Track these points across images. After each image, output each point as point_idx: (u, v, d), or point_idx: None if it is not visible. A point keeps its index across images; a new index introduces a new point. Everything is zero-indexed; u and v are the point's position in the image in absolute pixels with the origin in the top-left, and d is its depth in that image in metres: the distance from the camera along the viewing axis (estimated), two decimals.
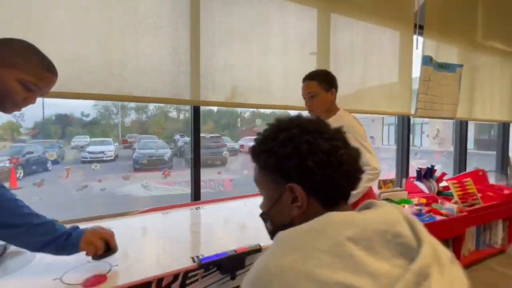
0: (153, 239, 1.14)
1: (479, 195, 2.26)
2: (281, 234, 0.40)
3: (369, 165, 1.17)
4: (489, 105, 3.07)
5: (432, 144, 7.32)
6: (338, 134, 0.47)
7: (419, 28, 2.45)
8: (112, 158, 5.66)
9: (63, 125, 5.95)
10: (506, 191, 2.46)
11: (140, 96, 1.43)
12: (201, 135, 1.68)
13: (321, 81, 1.29)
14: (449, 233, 1.88)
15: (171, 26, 1.46)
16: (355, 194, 1.11)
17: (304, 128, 0.45)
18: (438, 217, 1.83)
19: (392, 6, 2.29)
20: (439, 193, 2.24)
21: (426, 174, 2.30)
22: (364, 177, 1.09)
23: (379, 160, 1.23)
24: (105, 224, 1.08)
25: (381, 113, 2.34)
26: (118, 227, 1.07)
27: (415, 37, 2.47)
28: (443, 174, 2.34)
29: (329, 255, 0.33)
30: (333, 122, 1.25)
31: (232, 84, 1.65)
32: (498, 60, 3.17)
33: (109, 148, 5.69)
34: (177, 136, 6.76)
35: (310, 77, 1.31)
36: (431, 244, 0.37)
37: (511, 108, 3.32)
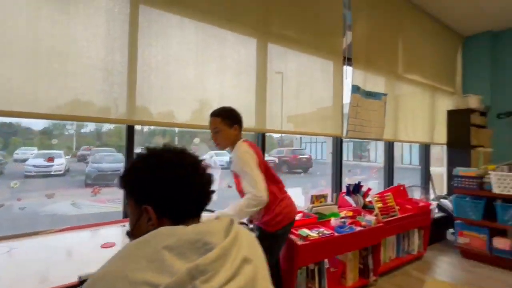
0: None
1: (398, 207, 2.58)
2: (121, 247, 0.49)
3: (249, 192, 1.26)
4: (411, 129, 3.56)
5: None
6: (195, 164, 0.59)
7: (348, 60, 2.82)
8: (62, 172, 5.24)
9: (6, 135, 5.45)
10: (421, 204, 2.84)
11: (75, 115, 1.45)
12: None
13: (224, 118, 1.40)
14: (367, 242, 2.11)
15: (105, 49, 1.52)
16: (236, 217, 1.09)
17: (160, 159, 0.56)
18: (358, 228, 2.06)
19: (325, 41, 2.62)
20: (365, 206, 2.52)
21: (354, 189, 2.57)
22: (245, 202, 1.23)
23: (264, 188, 1.28)
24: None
25: (315, 135, 2.60)
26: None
27: (345, 67, 2.83)
28: (369, 189, 2.64)
29: (146, 261, 0.43)
30: (233, 152, 1.39)
31: (168, 104, 1.74)
32: (418, 90, 3.72)
33: (59, 161, 5.28)
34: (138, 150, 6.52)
35: (215, 114, 1.41)
36: (225, 247, 0.47)
37: (430, 131, 3.88)
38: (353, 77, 2.80)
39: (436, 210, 3.53)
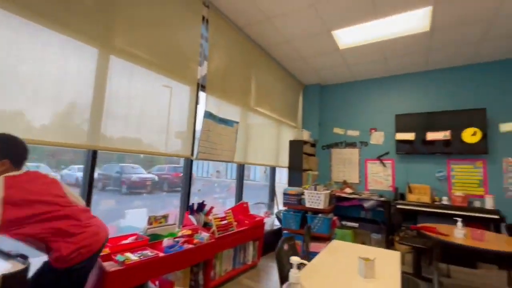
0: None
1: (236, 223, 2.91)
2: None
3: None
4: (260, 153, 4.19)
5: (262, 179, 8.88)
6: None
7: (204, 88, 3.07)
8: None
9: None
10: (257, 218, 3.31)
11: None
12: None
13: None
14: (197, 259, 2.24)
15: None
16: None
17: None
18: (189, 246, 2.16)
19: (180, 66, 2.76)
20: (205, 224, 2.69)
21: (198, 208, 2.72)
22: None
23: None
24: None
25: (162, 155, 2.62)
26: None
27: (202, 94, 3.06)
28: (211, 208, 2.86)
29: None
30: None
31: None
32: (267, 121, 4.47)
33: None
34: None
35: None
36: None
37: (276, 156, 4.69)
38: (207, 103, 3.06)
39: (277, 222, 4.23)
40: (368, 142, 5.05)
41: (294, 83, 5.40)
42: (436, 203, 4.10)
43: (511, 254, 2.18)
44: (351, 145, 5.28)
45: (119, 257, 1.71)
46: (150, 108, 2.45)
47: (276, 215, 4.33)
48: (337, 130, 4.66)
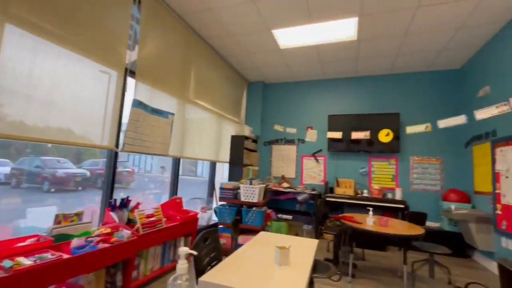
0: None
1: (165, 219, 2.77)
2: None
3: None
4: (198, 148, 4.09)
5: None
6: None
7: (134, 74, 2.83)
8: None
9: None
10: (191, 213, 3.22)
11: None
12: None
13: None
14: (114, 259, 2.06)
15: None
16: None
17: None
18: (104, 245, 1.96)
19: (103, 47, 2.48)
20: (130, 221, 2.50)
21: (121, 205, 2.50)
22: None
23: None
24: None
25: (77, 145, 2.33)
26: None
27: (131, 81, 2.81)
28: (138, 204, 2.68)
29: None
30: None
31: None
32: (208, 115, 4.38)
33: None
34: None
35: None
36: None
37: (216, 151, 4.64)
38: (136, 91, 2.83)
39: (215, 217, 4.19)
40: (305, 139, 5.37)
41: (239, 79, 5.41)
42: (358, 195, 4.61)
43: (406, 237, 2.57)
44: (290, 142, 5.56)
45: (5, 263, 1.45)
46: (63, 92, 2.14)
47: (214, 210, 4.29)
48: (277, 127, 4.84)
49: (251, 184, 3.46)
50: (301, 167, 5.39)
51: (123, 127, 2.69)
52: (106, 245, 1.98)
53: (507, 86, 3.22)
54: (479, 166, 3.81)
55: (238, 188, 3.59)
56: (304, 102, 5.56)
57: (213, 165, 4.80)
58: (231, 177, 4.84)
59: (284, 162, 5.56)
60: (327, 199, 4.56)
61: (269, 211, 3.91)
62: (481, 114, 2.80)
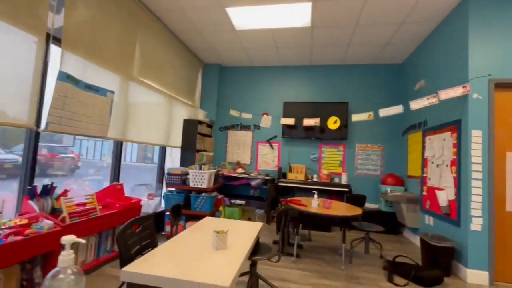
0: None
1: (100, 207, 2.52)
2: None
3: None
4: (146, 131, 3.79)
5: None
6: None
7: (55, 40, 2.44)
8: None
9: None
10: (133, 200, 3.00)
11: None
12: None
13: None
14: (28, 253, 1.80)
15: None
16: None
17: None
18: (16, 238, 1.70)
19: (14, 4, 2.06)
20: (55, 210, 2.21)
21: (43, 192, 2.19)
22: None
23: None
24: None
25: None
26: None
27: (55, 50, 2.42)
28: (66, 191, 2.38)
29: None
30: None
31: None
32: (156, 96, 4.06)
33: None
34: None
35: None
36: None
37: (167, 135, 4.37)
38: (63, 63, 2.45)
39: (164, 204, 3.98)
40: (260, 125, 5.37)
41: (193, 59, 5.11)
42: (308, 180, 4.80)
43: (345, 217, 2.74)
44: (246, 127, 5.51)
45: None
46: None
47: (163, 196, 4.08)
48: (233, 112, 4.73)
49: (200, 169, 3.34)
50: (257, 153, 5.40)
51: (48, 104, 2.33)
52: (19, 237, 1.71)
53: (439, 80, 3.56)
54: (412, 153, 4.23)
55: (187, 173, 3.45)
56: (261, 88, 5.52)
57: (163, 150, 4.53)
58: (183, 163, 4.64)
59: (239, 148, 5.51)
60: (279, 184, 4.67)
61: (220, 196, 3.85)
62: (415, 105, 3.05)
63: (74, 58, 2.58)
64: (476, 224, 2.72)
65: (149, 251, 1.53)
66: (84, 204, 2.40)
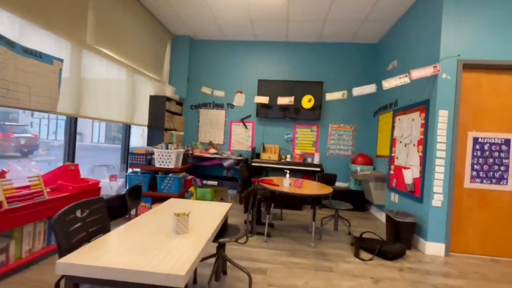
0: None
1: (48, 190, 2.25)
2: None
3: None
4: (105, 106, 3.42)
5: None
6: None
7: None
8: None
9: None
10: (90, 182, 2.73)
11: None
12: None
13: None
14: None
15: None
16: None
17: None
18: None
19: None
20: None
21: None
22: None
23: None
24: None
25: None
26: None
27: None
28: (3, 172, 2.07)
29: None
30: None
31: None
32: (116, 67, 3.65)
33: None
34: None
35: None
36: None
37: (131, 112, 4.02)
38: None
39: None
40: (234, 104, 5.15)
41: (160, 30, 4.66)
42: (282, 160, 4.77)
43: (316, 196, 2.73)
44: (219, 106, 5.26)
45: None
46: None
47: (126, 178, 3.82)
48: (205, 90, 4.45)
49: (167, 148, 3.11)
50: (230, 133, 5.23)
51: None
52: None
53: (411, 61, 3.57)
54: (382, 132, 4.32)
55: (152, 153, 3.21)
56: (234, 64, 5.24)
57: (127, 128, 4.19)
58: (150, 142, 4.35)
59: (212, 127, 5.29)
60: (253, 164, 4.59)
61: (190, 177, 3.68)
62: (387, 84, 3.03)
63: (6, 15, 2.16)
64: (437, 200, 2.85)
65: (99, 238, 1.36)
66: (28, 187, 2.11)
